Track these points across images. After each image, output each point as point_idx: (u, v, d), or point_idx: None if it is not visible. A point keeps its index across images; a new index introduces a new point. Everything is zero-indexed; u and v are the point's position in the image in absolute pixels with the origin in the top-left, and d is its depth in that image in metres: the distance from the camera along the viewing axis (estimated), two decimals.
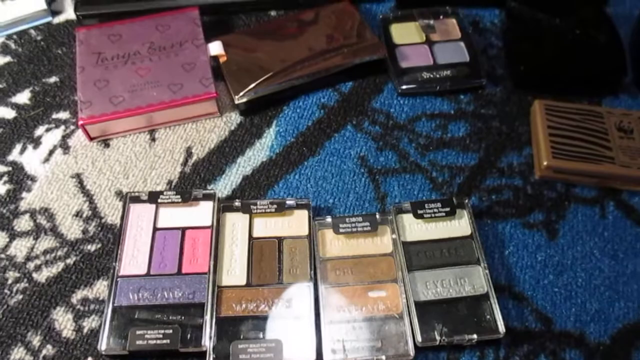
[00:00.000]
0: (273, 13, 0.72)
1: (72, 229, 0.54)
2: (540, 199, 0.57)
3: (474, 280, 0.51)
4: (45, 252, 0.53)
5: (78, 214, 0.55)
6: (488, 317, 0.49)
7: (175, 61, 0.62)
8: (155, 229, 0.53)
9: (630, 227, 0.56)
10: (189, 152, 0.60)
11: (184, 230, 0.53)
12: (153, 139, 0.61)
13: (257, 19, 0.71)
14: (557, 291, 0.52)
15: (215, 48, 0.63)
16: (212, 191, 0.55)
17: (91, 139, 0.60)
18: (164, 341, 0.47)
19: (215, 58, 0.63)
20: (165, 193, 0.54)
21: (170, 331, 0.47)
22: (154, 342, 0.47)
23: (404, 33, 0.68)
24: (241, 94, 0.61)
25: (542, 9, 0.66)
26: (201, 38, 0.64)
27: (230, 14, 0.71)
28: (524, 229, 0.55)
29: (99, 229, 0.55)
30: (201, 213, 0.54)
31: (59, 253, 0.53)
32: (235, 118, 0.62)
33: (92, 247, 0.54)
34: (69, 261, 0.53)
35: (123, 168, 0.58)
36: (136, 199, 0.54)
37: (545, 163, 0.56)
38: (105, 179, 0.58)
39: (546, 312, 0.51)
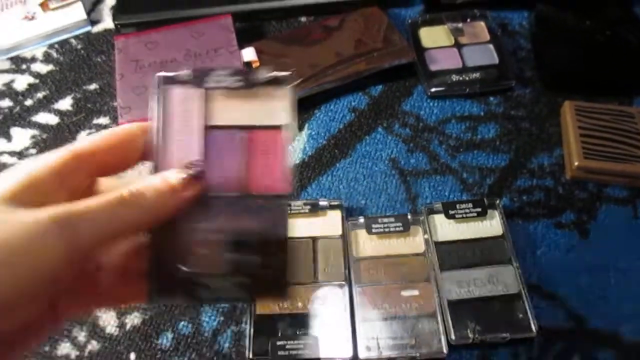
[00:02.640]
0: (303, 19, 0.73)
1: None
2: (572, 199, 0.58)
3: (506, 279, 0.51)
4: None
5: None
6: (521, 315, 0.50)
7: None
8: (207, 128, 0.32)
9: None
10: None
11: (245, 129, 0.32)
12: None
13: (287, 25, 0.73)
14: (590, 290, 0.52)
15: (249, 54, 0.65)
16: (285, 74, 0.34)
17: None
18: None
19: (248, 64, 0.65)
20: (216, 71, 0.32)
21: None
22: None
23: (433, 36, 0.69)
24: None
25: (571, 11, 0.67)
26: (235, 44, 0.66)
27: (262, 21, 0.73)
28: (556, 229, 0.56)
29: None
30: (271, 109, 0.33)
31: None
32: None
33: None
34: None
35: None
36: (174, 81, 0.32)
37: (576, 163, 0.57)
38: None
39: (579, 311, 0.51)
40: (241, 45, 0.66)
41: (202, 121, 0.31)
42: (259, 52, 0.66)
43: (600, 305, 0.52)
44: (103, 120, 0.65)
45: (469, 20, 0.70)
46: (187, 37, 0.67)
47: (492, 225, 0.54)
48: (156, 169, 0.30)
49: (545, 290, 0.52)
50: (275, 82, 0.32)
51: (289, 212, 0.32)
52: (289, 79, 0.33)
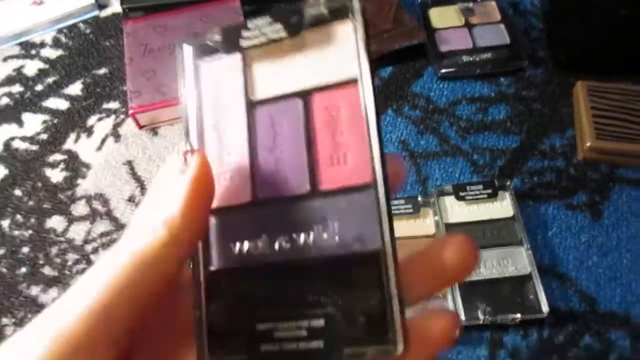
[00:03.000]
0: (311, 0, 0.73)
1: (125, 213, 0.57)
2: (584, 180, 0.57)
3: (517, 261, 0.51)
4: (101, 235, 0.56)
5: (130, 199, 0.58)
6: (531, 297, 0.49)
7: None
8: (251, 104, 0.23)
9: None
10: None
11: (304, 95, 0.23)
12: None
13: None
14: (602, 272, 0.52)
15: None
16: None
17: (141, 127, 0.62)
18: None
19: None
20: (250, 24, 0.24)
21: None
22: None
23: (443, 17, 0.68)
24: None
25: None
26: None
27: (270, 3, 0.73)
28: (567, 211, 0.55)
29: None
30: (334, 58, 0.23)
31: (115, 236, 0.56)
32: None
33: None
34: None
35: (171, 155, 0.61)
36: (200, 50, 0.24)
37: (588, 144, 0.56)
38: (155, 165, 0.60)
39: (591, 292, 0.51)
40: None
41: (243, 96, 0.23)
42: None
43: (611, 286, 0.52)
44: (113, 104, 0.65)
45: (479, 0, 0.69)
46: (195, 20, 0.66)
47: (502, 207, 0.54)
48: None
49: (557, 271, 0.52)
50: (334, 15, 0.22)
51: (384, 211, 0.20)
52: (354, 3, 0.22)
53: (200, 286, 0.22)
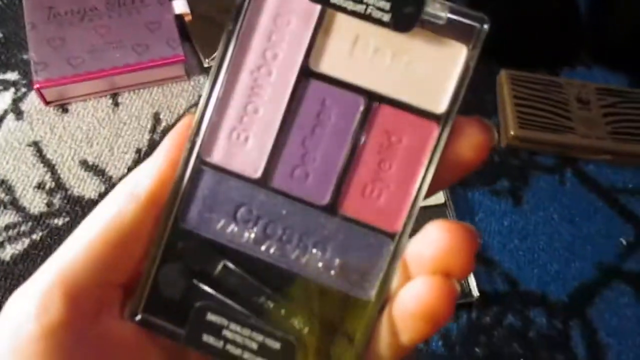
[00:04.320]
0: None
1: (34, 202, 0.51)
2: (507, 167, 0.60)
3: None
4: (7, 228, 0.49)
5: (40, 186, 0.52)
6: (462, 282, 0.52)
7: (138, 19, 0.57)
8: (307, 73, 0.19)
9: (585, 193, 0.60)
10: (156, 118, 0.57)
11: (372, 99, 0.19)
12: (116, 104, 0.57)
13: None
14: (522, 254, 0.56)
15: (180, 6, 0.60)
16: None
17: (47, 103, 0.55)
18: None
19: (179, 17, 0.60)
20: None
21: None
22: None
23: None
24: (212, 57, 0.58)
25: None
26: None
27: None
28: (492, 196, 0.58)
29: (65, 201, 0.51)
30: (429, 78, 0.19)
31: (23, 228, 0.50)
32: (204, 82, 0.60)
33: (59, 221, 0.50)
34: (35, 237, 0.50)
35: (86, 135, 0.55)
36: None
37: (512, 133, 0.59)
38: (67, 147, 0.54)
39: (512, 274, 0.55)
40: None
41: (302, 57, 0.19)
42: (192, 4, 0.60)
43: (530, 268, 0.55)
44: (11, 75, 0.57)
45: None
46: None
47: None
48: (202, 141, 0.19)
49: (484, 255, 0.55)
50: (452, 29, 0.18)
51: (393, 267, 0.18)
52: (481, 29, 0.18)
53: (162, 236, 0.19)
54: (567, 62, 0.67)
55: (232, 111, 0.19)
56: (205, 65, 0.58)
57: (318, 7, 0.18)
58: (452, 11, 0.18)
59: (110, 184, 0.53)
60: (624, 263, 0.56)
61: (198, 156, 0.19)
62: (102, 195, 0.52)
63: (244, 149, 0.19)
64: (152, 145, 0.55)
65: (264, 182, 0.19)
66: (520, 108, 0.60)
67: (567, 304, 0.54)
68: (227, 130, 0.19)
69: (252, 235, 0.19)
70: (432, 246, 0.18)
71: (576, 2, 0.67)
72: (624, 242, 0.57)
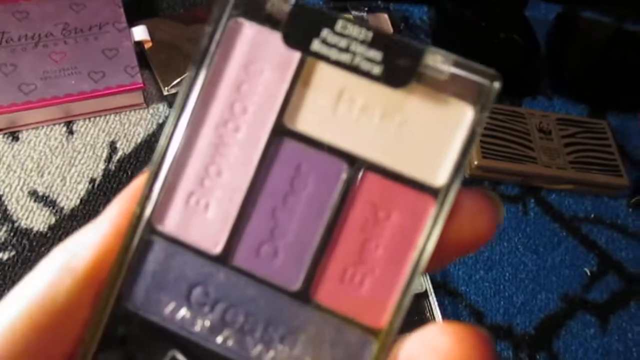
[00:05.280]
0: None
1: None
2: None
3: None
4: None
5: None
6: (428, 314, 0.51)
7: (95, 46, 0.56)
8: (281, 131, 0.16)
9: (548, 223, 0.60)
10: (112, 147, 0.55)
11: (356, 165, 0.16)
12: (70, 132, 0.55)
13: (182, 2, 0.66)
14: (488, 286, 0.55)
15: (140, 33, 0.58)
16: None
17: None
18: None
19: (139, 44, 0.58)
20: (340, 26, 0.16)
21: None
22: None
23: None
24: (172, 85, 0.57)
25: (469, 11, 0.69)
26: (124, 21, 0.58)
27: None
28: None
29: (12, 234, 0.49)
30: (426, 145, 0.16)
31: None
32: (163, 110, 0.58)
33: (4, 256, 0.48)
34: None
35: (37, 165, 0.52)
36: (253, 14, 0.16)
37: (476, 163, 0.59)
38: (15, 177, 0.51)
39: (478, 306, 0.54)
40: (131, 23, 0.58)
41: (275, 112, 0.16)
42: (152, 31, 0.59)
43: (496, 299, 0.55)
44: None
45: (372, 12, 0.69)
46: (64, 8, 0.58)
47: None
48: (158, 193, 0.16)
49: (448, 287, 0.54)
50: (455, 86, 0.15)
51: None
52: (491, 87, 0.15)
53: (101, 318, 0.16)
54: (529, 92, 0.68)
55: (191, 172, 0.16)
56: (165, 93, 0.57)
57: (297, 55, 0.16)
58: (457, 65, 0.15)
59: (61, 215, 0.50)
60: (588, 293, 0.56)
61: (148, 224, 0.16)
62: (51, 228, 0.50)
63: (203, 218, 0.16)
64: (107, 175, 0.53)
65: (224, 259, 0.16)
66: (484, 138, 0.60)
67: (534, 336, 0.53)
68: (184, 194, 0.16)
69: (208, 323, 0.16)
70: (433, 355, 0.14)
71: (534, 34, 0.68)
72: (588, 273, 0.57)
